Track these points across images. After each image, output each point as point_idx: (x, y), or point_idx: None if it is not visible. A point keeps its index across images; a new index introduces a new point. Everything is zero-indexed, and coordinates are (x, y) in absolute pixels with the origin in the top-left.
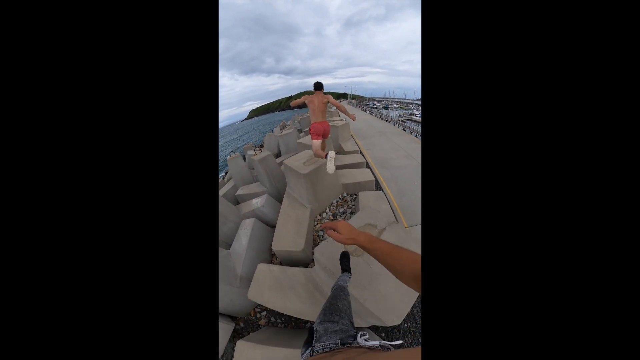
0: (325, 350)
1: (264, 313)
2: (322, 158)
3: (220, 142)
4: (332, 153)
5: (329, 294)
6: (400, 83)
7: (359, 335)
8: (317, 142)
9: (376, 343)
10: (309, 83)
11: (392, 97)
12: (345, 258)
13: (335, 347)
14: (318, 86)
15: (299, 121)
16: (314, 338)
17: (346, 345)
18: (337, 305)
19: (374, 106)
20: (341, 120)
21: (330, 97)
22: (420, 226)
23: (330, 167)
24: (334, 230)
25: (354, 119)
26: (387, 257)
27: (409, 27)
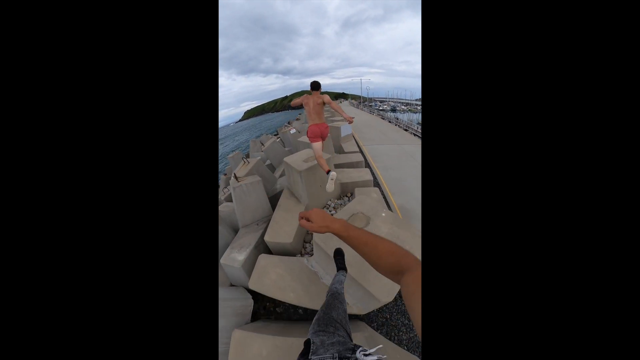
0: None
1: None
2: (323, 168)
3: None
4: (333, 174)
5: (324, 298)
6: (398, 83)
7: (358, 351)
8: (317, 145)
9: (374, 358)
10: (306, 83)
11: (396, 97)
12: (339, 255)
13: None
14: (314, 86)
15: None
16: (311, 350)
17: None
18: (331, 315)
19: (381, 108)
20: (342, 121)
21: (327, 97)
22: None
23: (330, 186)
24: (307, 219)
25: (350, 122)
26: (363, 246)
27: (407, 28)
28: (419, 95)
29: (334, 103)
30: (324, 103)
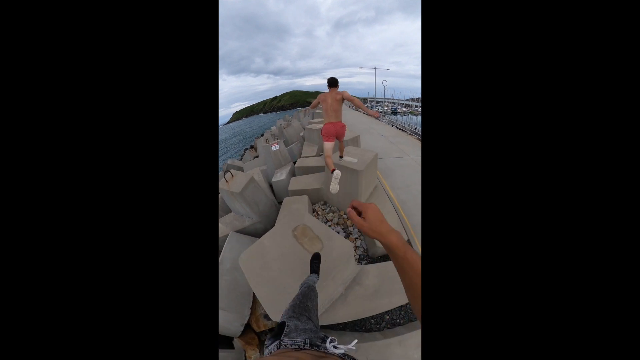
0: (293, 346)
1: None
2: (329, 167)
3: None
4: (337, 174)
5: (297, 290)
6: (389, 83)
7: (328, 341)
8: (328, 145)
9: (342, 350)
10: (297, 83)
11: (394, 98)
12: (316, 260)
13: (303, 346)
14: (332, 82)
15: None
16: (284, 332)
17: (314, 348)
18: (307, 304)
19: (380, 110)
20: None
21: (346, 93)
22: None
23: (334, 187)
24: (360, 213)
25: (377, 116)
26: (415, 276)
27: (398, 30)
28: (410, 95)
29: (356, 99)
30: (343, 100)
